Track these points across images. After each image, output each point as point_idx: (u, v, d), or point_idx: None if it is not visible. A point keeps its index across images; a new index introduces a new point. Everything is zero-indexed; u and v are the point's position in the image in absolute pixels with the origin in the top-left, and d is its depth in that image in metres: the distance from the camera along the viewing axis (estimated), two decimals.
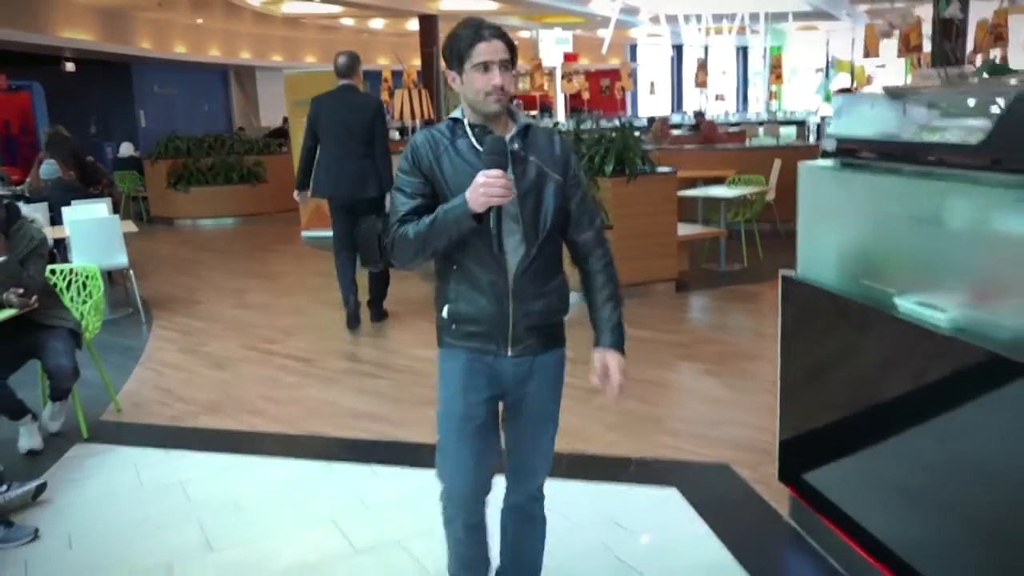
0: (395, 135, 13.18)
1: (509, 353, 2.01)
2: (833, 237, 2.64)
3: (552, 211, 1.98)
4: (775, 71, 18.56)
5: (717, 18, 18.66)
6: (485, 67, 1.88)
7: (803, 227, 2.78)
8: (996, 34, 11.22)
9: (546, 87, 19.87)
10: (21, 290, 3.50)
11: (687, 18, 18.61)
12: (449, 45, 1.92)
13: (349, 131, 5.38)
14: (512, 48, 1.91)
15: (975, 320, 2.04)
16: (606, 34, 17.73)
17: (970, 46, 10.57)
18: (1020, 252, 1.93)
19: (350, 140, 5.38)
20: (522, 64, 21.32)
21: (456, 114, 2.01)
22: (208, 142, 11.92)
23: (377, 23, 18.45)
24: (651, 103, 24.44)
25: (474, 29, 1.89)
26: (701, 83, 18.01)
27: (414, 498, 3.15)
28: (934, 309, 2.14)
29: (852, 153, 2.54)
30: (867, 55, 16.19)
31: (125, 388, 4.59)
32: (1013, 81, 2.38)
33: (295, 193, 5.72)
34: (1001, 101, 1.98)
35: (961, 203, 2.11)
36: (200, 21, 16.60)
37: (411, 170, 1.97)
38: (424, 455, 3.40)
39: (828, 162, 2.66)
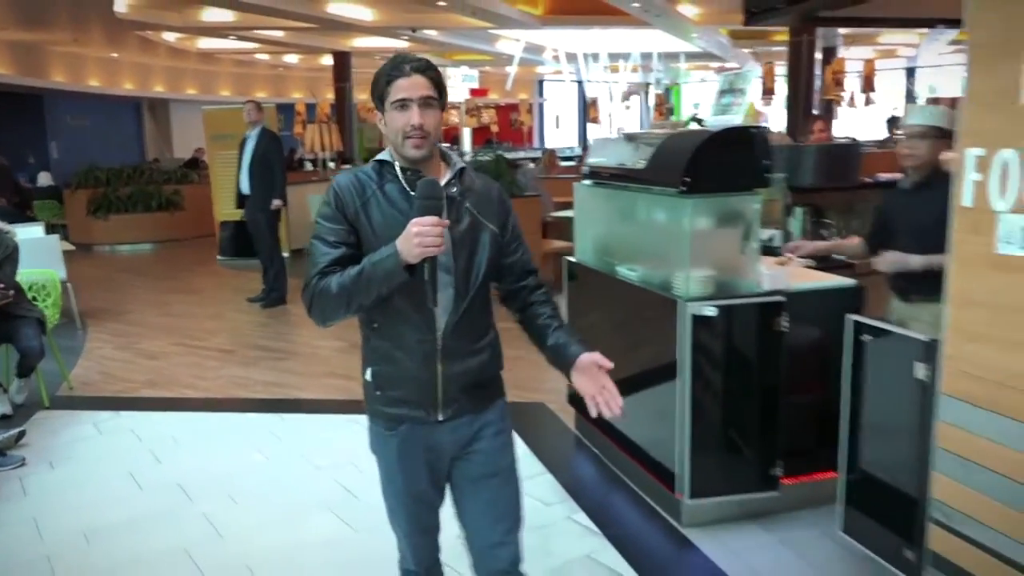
0: (308, 166, 14.18)
1: (440, 418, 1.87)
2: (591, 231, 3.96)
3: (486, 262, 1.85)
4: (658, 108, 20.47)
5: (614, 57, 20.40)
6: (403, 105, 1.73)
7: (577, 226, 4.09)
8: (836, 80, 13.31)
9: (456, 120, 21.25)
10: (1, 285, 4.45)
11: (586, 57, 20.30)
12: (373, 82, 1.79)
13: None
14: (439, 85, 1.77)
15: (649, 275, 3.35)
16: (511, 71, 19.17)
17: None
18: (663, 234, 3.28)
19: None
20: None
21: (384, 156, 1.84)
22: (127, 172, 12.53)
23: (292, 58, 19.38)
24: (557, 136, 25.98)
25: (395, 64, 1.75)
26: (593, 119, 19.74)
27: (313, 430, 4.29)
28: (631, 271, 3.45)
29: (597, 176, 3.85)
30: None
31: (72, 375, 5.51)
32: (692, 128, 3.77)
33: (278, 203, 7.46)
34: (657, 143, 3.33)
35: (639, 206, 3.46)
36: (115, 55, 17.03)
37: (334, 216, 1.79)
38: (320, 406, 4.55)
39: (588, 181, 3.96)
